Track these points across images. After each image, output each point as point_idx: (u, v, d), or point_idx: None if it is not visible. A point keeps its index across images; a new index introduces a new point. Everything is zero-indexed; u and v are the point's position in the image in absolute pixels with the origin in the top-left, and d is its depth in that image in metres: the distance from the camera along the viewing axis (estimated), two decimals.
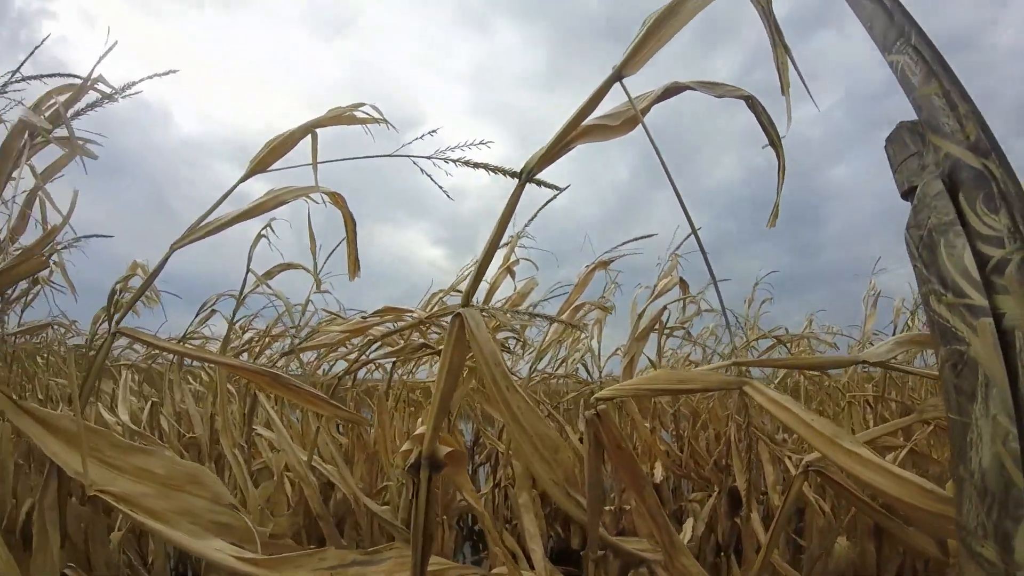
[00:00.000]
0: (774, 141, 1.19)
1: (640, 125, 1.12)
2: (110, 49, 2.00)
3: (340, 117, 1.62)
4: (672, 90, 1.14)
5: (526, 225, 2.96)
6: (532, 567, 2.06)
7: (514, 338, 3.41)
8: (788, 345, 4.52)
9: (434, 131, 1.52)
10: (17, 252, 1.72)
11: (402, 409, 4.10)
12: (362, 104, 1.65)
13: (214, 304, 3.87)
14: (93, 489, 1.20)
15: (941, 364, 0.66)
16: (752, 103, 1.17)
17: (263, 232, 2.93)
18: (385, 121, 1.65)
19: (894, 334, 3.58)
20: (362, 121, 1.63)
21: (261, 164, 1.54)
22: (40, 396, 3.84)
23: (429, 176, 1.43)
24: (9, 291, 3.32)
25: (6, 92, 2.23)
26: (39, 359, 5.76)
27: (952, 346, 0.63)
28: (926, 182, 0.68)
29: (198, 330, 4.14)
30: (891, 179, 0.79)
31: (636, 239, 3.26)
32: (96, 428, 1.32)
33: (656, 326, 3.39)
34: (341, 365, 3.83)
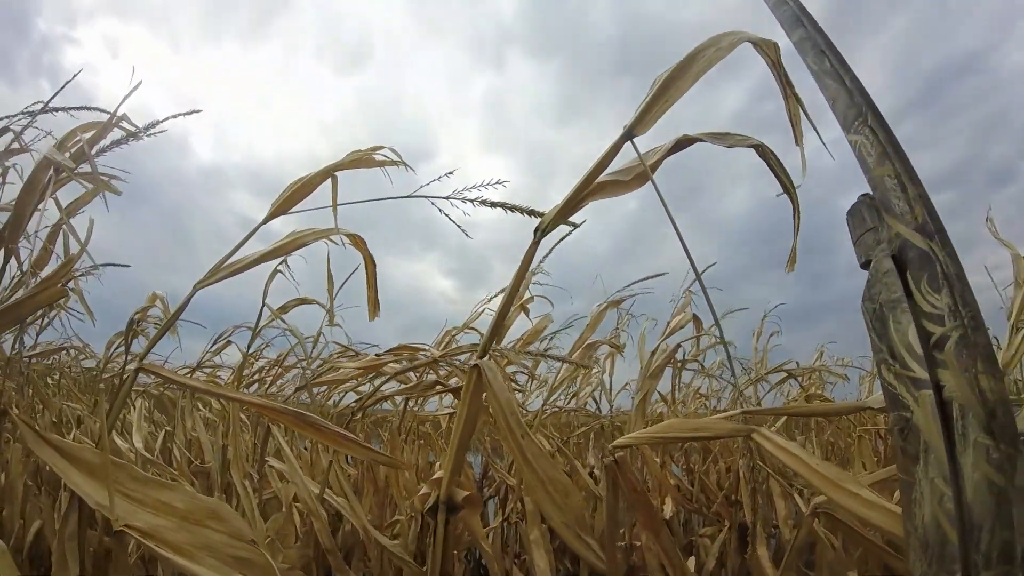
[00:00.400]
0: (787, 188, 1.22)
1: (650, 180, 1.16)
2: (135, 88, 2.07)
3: (359, 160, 1.67)
4: (682, 143, 1.18)
5: (540, 262, 3.00)
6: None
7: (525, 374, 3.43)
8: (799, 378, 4.53)
9: (450, 173, 1.57)
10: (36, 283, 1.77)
11: (411, 441, 4.12)
12: (381, 147, 1.70)
13: (230, 335, 3.93)
14: (120, 524, 1.23)
15: (892, 427, 0.70)
16: (763, 152, 1.20)
17: (279, 268, 2.98)
18: (403, 163, 1.70)
19: None
20: (381, 164, 1.69)
21: (283, 207, 1.59)
22: (54, 419, 3.87)
23: (447, 216, 1.48)
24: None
25: (35, 123, 2.32)
26: (49, 380, 5.81)
27: (899, 412, 0.68)
28: (878, 259, 0.73)
29: (211, 358, 4.20)
30: None
31: (646, 278, 3.29)
32: (120, 462, 1.36)
33: (671, 362, 3.40)
34: (351, 396, 3.85)
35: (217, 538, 1.26)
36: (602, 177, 1.18)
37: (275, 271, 3.01)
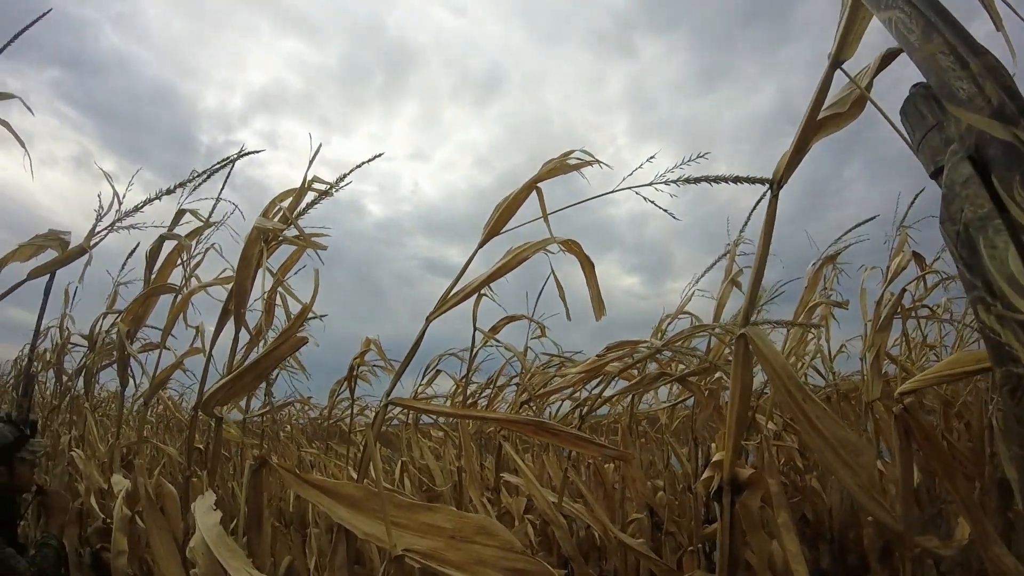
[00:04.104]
0: None
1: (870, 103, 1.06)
2: (316, 152, 2.20)
3: (556, 168, 1.65)
4: (888, 58, 1.09)
5: (741, 231, 2.86)
6: None
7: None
8: None
9: (652, 157, 1.50)
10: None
11: (635, 440, 4.06)
12: (571, 152, 1.67)
13: (437, 365, 4.10)
14: (399, 549, 1.25)
15: (1000, 386, 0.50)
16: None
17: (483, 292, 3.07)
18: (599, 162, 1.66)
19: None
20: (577, 166, 1.66)
21: (494, 229, 1.61)
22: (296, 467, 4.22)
23: (652, 202, 1.42)
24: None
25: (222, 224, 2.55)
26: (281, 433, 6.37)
27: (1008, 368, 0.48)
28: (952, 165, 0.53)
29: (423, 389, 4.40)
30: None
31: (859, 224, 3.04)
32: (382, 490, 1.40)
33: (899, 310, 3.11)
34: (566, 406, 3.88)
35: (489, 553, 1.26)
36: (821, 115, 1.10)
37: (480, 295, 3.10)
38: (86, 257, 2.42)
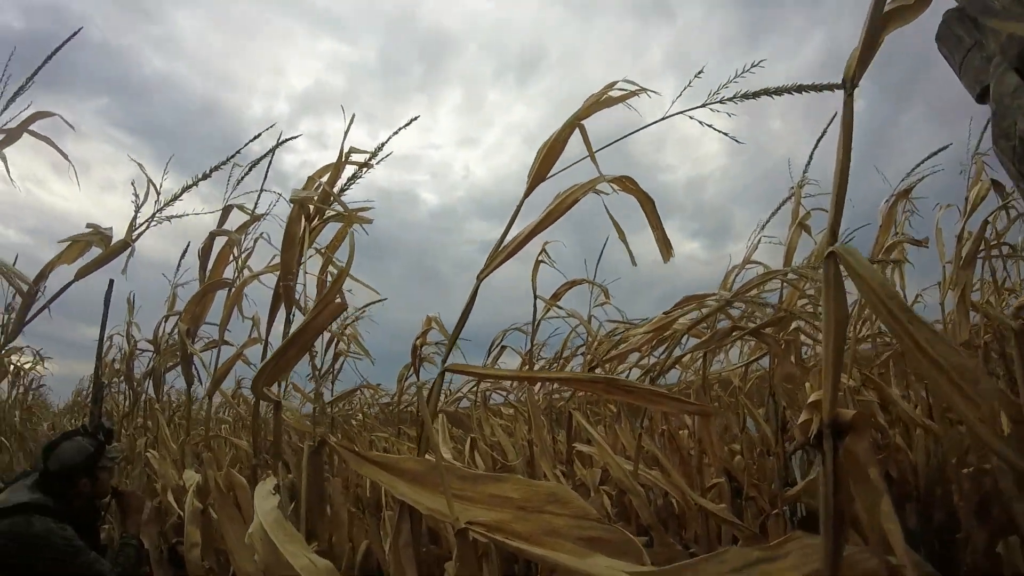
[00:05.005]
0: None
1: None
2: (351, 122, 2.11)
3: (598, 103, 1.52)
4: None
5: (805, 171, 2.69)
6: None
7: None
8: None
9: (700, 72, 1.39)
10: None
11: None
12: (615, 82, 1.54)
13: (501, 341, 4.04)
14: (462, 522, 1.17)
15: None
16: None
17: (541, 258, 2.99)
18: (644, 90, 1.53)
19: None
20: (622, 99, 1.53)
21: (539, 174, 1.50)
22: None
23: (709, 126, 1.31)
24: (319, 366, 3.70)
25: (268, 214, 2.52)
26: (354, 421, 6.41)
27: None
28: (997, 79, 0.49)
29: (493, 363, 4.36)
30: None
31: (932, 155, 2.83)
32: (445, 465, 1.32)
33: (982, 248, 2.88)
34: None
35: (561, 522, 1.16)
36: (887, 8, 0.97)
37: (538, 262, 3.02)
38: (128, 252, 2.40)
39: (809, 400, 1.00)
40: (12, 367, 6.09)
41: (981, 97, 0.58)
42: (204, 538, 2.60)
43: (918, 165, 2.89)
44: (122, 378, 4.97)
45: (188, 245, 3.36)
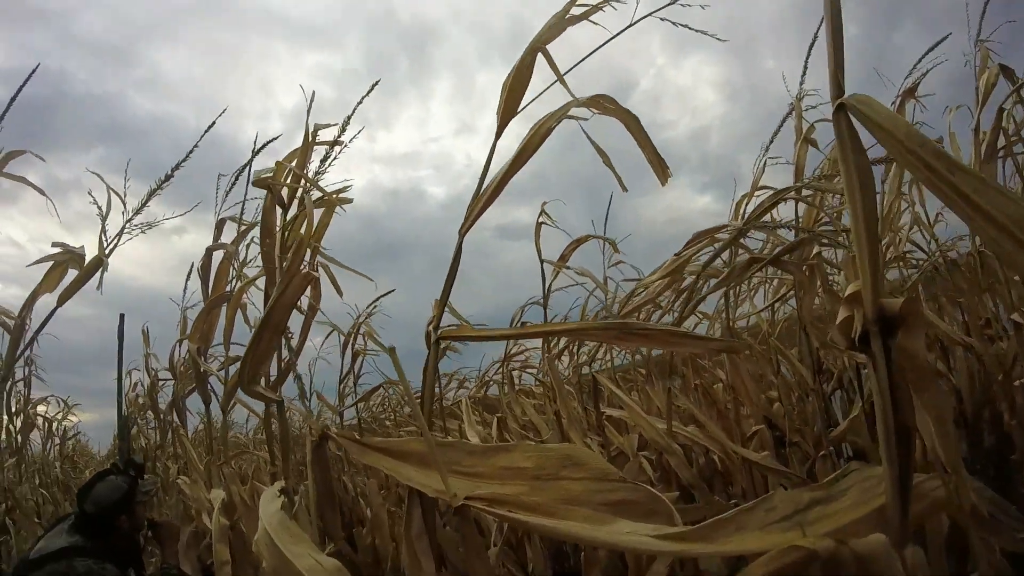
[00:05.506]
0: None
1: None
2: (312, 101, 2.03)
3: (560, 23, 1.38)
4: None
5: (801, 83, 2.54)
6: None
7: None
8: None
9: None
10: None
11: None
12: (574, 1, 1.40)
13: (521, 318, 3.95)
14: (459, 500, 1.07)
15: None
16: None
17: (542, 220, 2.90)
18: (608, 1, 1.38)
19: None
20: (585, 15, 1.39)
21: (508, 108, 1.37)
22: None
23: (684, 26, 1.19)
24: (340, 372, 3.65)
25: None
26: (388, 421, 6.36)
27: None
28: None
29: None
30: None
31: (933, 47, 2.68)
32: (447, 441, 1.22)
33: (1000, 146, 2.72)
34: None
35: (578, 488, 1.05)
36: None
37: (539, 224, 2.93)
38: (101, 269, 2.34)
39: (847, 293, 0.83)
40: (39, 418, 6.09)
41: None
42: (238, 553, 2.55)
43: (921, 58, 2.73)
44: (148, 411, 4.97)
45: (192, 266, 3.29)
